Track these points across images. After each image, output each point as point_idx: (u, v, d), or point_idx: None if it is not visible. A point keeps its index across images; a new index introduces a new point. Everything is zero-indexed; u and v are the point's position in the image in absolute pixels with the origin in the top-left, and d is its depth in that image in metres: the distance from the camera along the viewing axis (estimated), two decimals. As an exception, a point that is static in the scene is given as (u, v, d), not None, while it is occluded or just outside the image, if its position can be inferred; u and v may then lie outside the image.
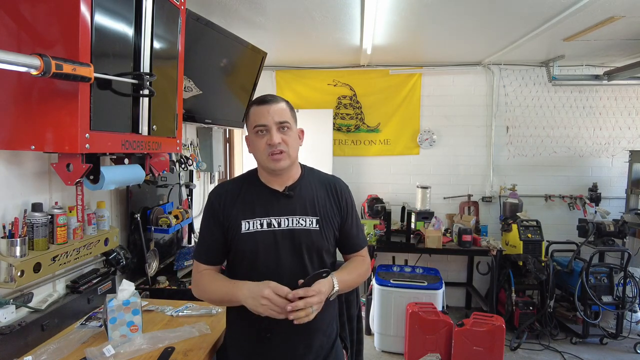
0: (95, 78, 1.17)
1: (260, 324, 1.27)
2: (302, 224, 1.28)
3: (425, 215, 3.62)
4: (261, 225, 1.27)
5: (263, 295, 1.12)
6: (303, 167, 1.40)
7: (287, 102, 1.32)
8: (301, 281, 1.17)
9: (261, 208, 1.28)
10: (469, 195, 4.23)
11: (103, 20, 1.27)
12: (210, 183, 3.39)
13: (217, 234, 1.31)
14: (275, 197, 1.30)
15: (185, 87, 2.25)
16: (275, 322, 1.25)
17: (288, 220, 1.28)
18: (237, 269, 1.33)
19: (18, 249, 1.34)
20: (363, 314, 3.55)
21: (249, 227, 1.26)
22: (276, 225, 1.27)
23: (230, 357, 1.36)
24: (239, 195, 1.31)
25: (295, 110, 1.36)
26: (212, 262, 1.34)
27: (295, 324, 1.21)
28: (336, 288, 1.22)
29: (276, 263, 1.26)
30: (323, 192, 1.35)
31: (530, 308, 3.55)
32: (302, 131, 1.37)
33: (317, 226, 1.29)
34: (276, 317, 1.13)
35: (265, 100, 1.27)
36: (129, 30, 1.42)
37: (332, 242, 1.37)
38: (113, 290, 1.87)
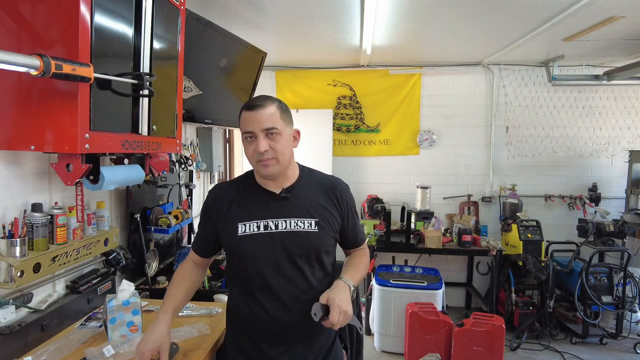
0: (95, 78, 1.17)
1: (261, 324, 1.27)
2: (300, 226, 1.27)
3: (425, 215, 3.62)
4: (258, 227, 1.26)
5: (138, 345, 1.18)
6: (301, 168, 1.38)
7: (279, 103, 1.25)
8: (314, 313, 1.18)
9: (258, 210, 1.28)
10: (469, 195, 4.23)
11: (103, 20, 1.26)
12: (210, 183, 3.38)
13: (208, 233, 1.35)
14: (272, 199, 1.29)
15: (185, 87, 2.25)
16: (275, 321, 1.25)
17: (285, 222, 1.26)
18: (234, 271, 1.33)
19: (18, 249, 1.34)
20: (363, 314, 3.56)
21: (245, 230, 1.26)
22: (273, 228, 1.26)
23: (230, 357, 1.36)
24: (236, 197, 1.31)
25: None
26: (202, 254, 1.41)
27: (295, 325, 1.21)
28: (352, 287, 1.27)
29: (273, 266, 1.26)
30: (322, 195, 1.33)
31: (530, 308, 3.55)
32: (297, 132, 1.32)
33: (317, 228, 1.28)
34: None
35: (253, 105, 1.21)
36: (128, 31, 1.41)
37: (332, 243, 1.36)
38: (113, 290, 1.87)
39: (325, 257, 1.33)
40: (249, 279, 1.28)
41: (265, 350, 1.28)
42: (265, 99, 1.24)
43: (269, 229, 1.26)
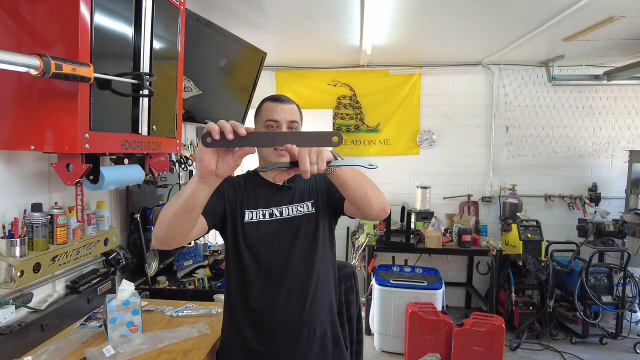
0: (95, 78, 1.17)
1: (262, 319, 1.27)
2: (300, 210, 1.34)
3: (425, 215, 3.62)
4: (264, 215, 1.32)
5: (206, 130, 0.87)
6: None
7: (297, 105, 1.40)
8: None
9: (263, 200, 1.34)
10: (469, 195, 4.24)
11: (103, 20, 1.26)
12: (210, 183, 3.38)
13: (216, 203, 1.25)
14: (276, 190, 1.36)
15: (185, 87, 2.25)
16: (277, 314, 1.27)
17: (288, 209, 1.34)
18: (239, 258, 1.31)
19: (18, 249, 1.34)
20: (363, 314, 3.55)
21: (252, 217, 1.30)
22: (278, 215, 1.33)
23: (229, 355, 1.35)
24: (243, 187, 1.36)
25: None
26: (204, 214, 1.16)
27: (297, 317, 1.25)
28: (338, 159, 0.99)
29: (279, 251, 1.29)
30: (313, 179, 1.40)
31: (530, 308, 3.55)
32: None
33: (314, 209, 1.35)
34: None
35: (280, 99, 1.35)
36: (128, 31, 1.42)
37: (331, 221, 1.39)
38: (113, 290, 1.87)
39: (328, 238, 1.37)
40: (254, 266, 1.29)
41: (266, 346, 1.28)
42: (287, 97, 1.38)
43: (274, 216, 1.32)
